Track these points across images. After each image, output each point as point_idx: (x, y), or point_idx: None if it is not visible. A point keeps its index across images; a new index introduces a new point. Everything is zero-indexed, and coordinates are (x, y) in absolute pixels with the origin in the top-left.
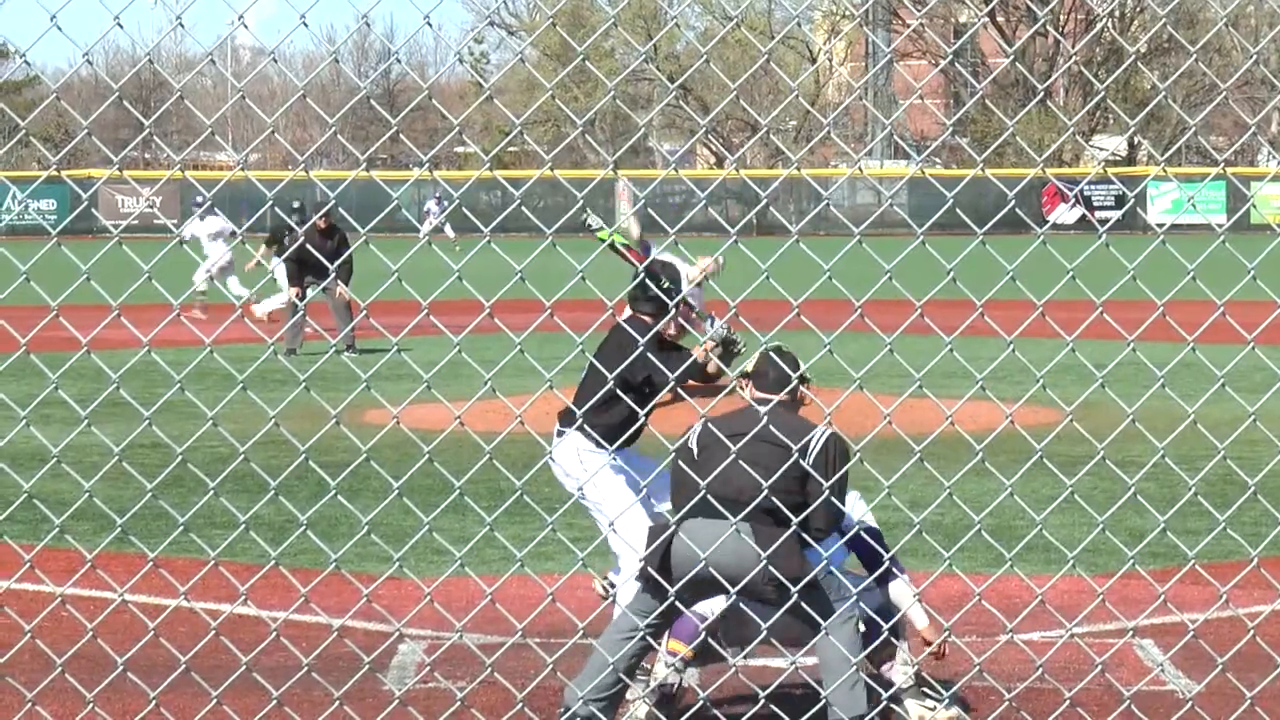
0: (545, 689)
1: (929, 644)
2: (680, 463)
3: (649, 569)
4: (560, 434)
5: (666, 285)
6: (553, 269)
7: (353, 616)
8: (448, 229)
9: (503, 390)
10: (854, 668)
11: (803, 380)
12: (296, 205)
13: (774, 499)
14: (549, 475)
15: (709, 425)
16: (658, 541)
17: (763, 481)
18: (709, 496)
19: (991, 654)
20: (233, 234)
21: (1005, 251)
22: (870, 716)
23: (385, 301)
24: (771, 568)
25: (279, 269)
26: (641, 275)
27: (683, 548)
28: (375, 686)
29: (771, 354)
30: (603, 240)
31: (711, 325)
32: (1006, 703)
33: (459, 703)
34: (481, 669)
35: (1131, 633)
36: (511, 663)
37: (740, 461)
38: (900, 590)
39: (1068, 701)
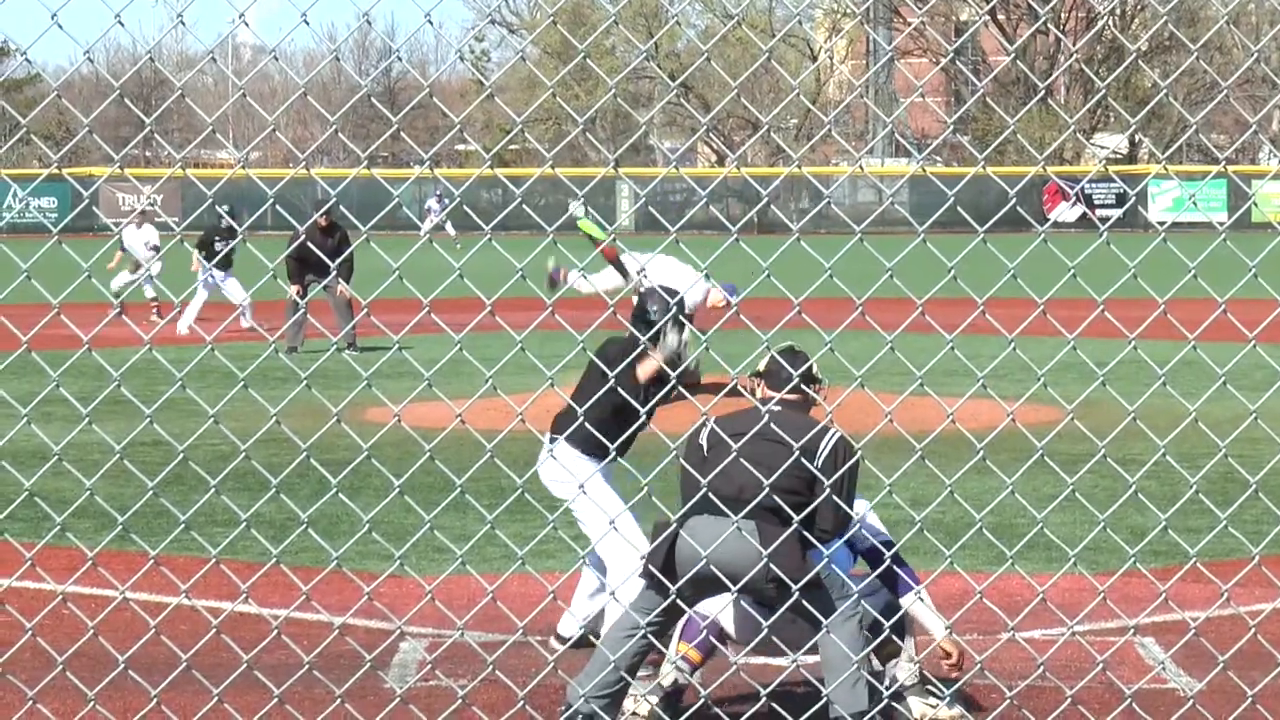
0: (546, 687)
1: (949, 655)
2: (688, 460)
3: (652, 567)
4: (553, 440)
5: (656, 310)
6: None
7: (354, 614)
8: (449, 227)
9: (504, 388)
10: (855, 665)
11: (816, 381)
12: (227, 208)
13: (780, 499)
14: None
15: (719, 424)
16: (661, 538)
17: (767, 481)
18: (715, 495)
19: (993, 652)
20: (156, 248)
21: (1006, 249)
22: (873, 714)
23: (386, 299)
24: (773, 566)
25: (201, 284)
26: (643, 293)
27: (686, 545)
28: (376, 684)
29: (783, 354)
30: (584, 231)
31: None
32: (1008, 701)
33: (460, 701)
34: (483, 667)
35: (1133, 631)
36: (513, 661)
37: (748, 461)
38: (914, 601)
39: (1069, 700)
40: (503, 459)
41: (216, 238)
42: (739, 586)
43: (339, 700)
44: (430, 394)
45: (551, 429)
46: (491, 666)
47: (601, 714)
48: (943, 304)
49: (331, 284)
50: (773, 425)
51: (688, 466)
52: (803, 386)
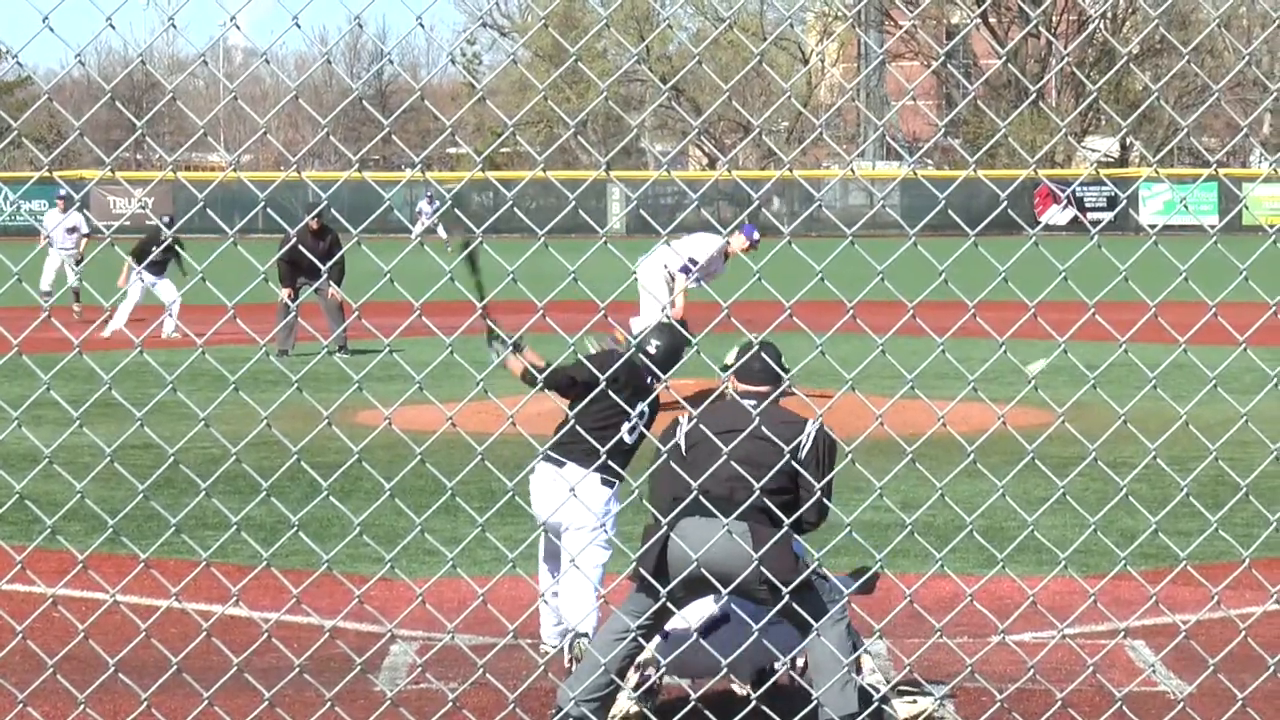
0: (537, 690)
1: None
2: (669, 459)
3: (644, 570)
4: (562, 463)
5: (659, 346)
6: (545, 270)
7: (344, 617)
8: (440, 230)
9: (494, 391)
10: (845, 668)
11: (784, 371)
12: (166, 220)
13: (768, 498)
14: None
15: (697, 421)
16: (652, 541)
17: (756, 482)
18: (705, 496)
19: (983, 655)
20: (86, 235)
21: (997, 253)
22: (862, 718)
23: (377, 302)
24: (764, 569)
25: (133, 286)
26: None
27: (678, 548)
28: (367, 687)
29: (749, 347)
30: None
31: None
32: (998, 704)
33: (451, 704)
34: (473, 670)
35: (1123, 633)
36: (503, 664)
37: (733, 458)
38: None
39: (1059, 702)
40: (493, 462)
41: (155, 246)
42: (730, 588)
43: (329, 703)
44: (421, 397)
45: (558, 450)
46: (482, 669)
47: (591, 717)
48: (934, 307)
49: (323, 287)
50: (762, 428)
51: (675, 467)
52: (783, 380)
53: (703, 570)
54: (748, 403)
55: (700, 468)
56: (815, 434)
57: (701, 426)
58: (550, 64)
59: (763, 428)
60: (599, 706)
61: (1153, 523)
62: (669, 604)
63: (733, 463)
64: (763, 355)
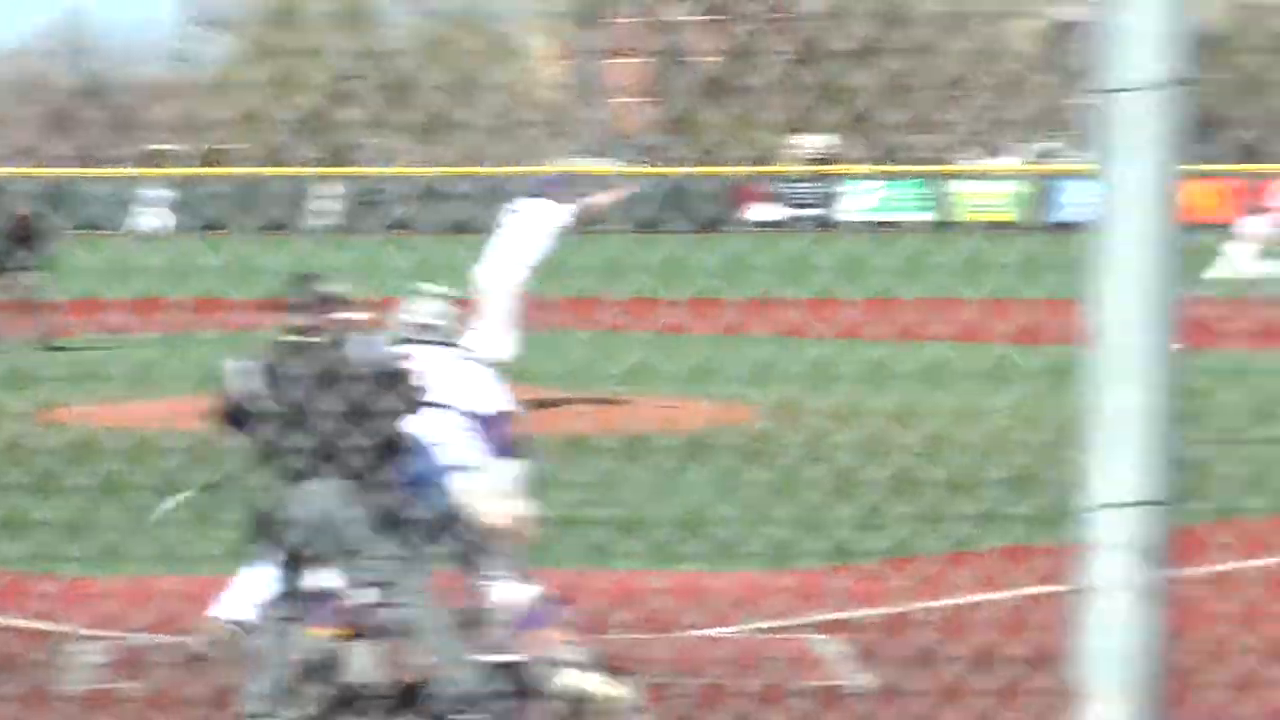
0: (219, 689)
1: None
2: (258, 413)
3: (274, 542)
4: None
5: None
6: (257, 267)
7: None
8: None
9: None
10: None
11: (340, 299)
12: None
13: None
14: None
15: (270, 375)
16: (273, 509)
17: (359, 430)
18: (310, 455)
19: (670, 650)
20: None
21: (709, 249)
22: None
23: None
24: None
25: None
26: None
27: (296, 511)
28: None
29: (295, 279)
30: None
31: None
32: (683, 698)
33: (133, 704)
34: (159, 670)
35: (812, 628)
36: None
37: (334, 411)
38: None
39: (745, 697)
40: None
41: None
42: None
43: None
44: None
45: None
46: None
47: (280, 713)
48: (644, 303)
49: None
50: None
51: (272, 423)
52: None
53: (324, 534)
54: (319, 338)
55: (303, 425)
56: (394, 345)
57: (278, 376)
58: (270, 60)
59: (358, 366)
60: (288, 700)
61: (847, 518)
62: (300, 564)
63: (334, 414)
64: (307, 286)
